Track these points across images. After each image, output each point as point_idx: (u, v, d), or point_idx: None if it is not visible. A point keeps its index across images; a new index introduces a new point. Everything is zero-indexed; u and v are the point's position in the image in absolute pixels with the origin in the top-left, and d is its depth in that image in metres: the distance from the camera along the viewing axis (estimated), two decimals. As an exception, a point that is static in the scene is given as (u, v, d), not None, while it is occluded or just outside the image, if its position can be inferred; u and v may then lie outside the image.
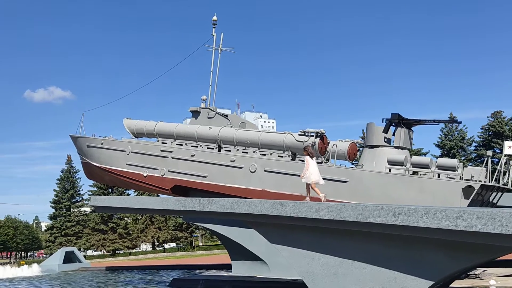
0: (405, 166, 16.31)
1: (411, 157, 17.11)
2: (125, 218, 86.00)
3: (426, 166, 16.06)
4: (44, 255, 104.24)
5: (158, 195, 32.43)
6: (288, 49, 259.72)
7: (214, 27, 23.45)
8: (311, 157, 13.02)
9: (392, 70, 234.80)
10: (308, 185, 13.24)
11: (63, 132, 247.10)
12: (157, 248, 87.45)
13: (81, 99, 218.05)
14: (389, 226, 10.06)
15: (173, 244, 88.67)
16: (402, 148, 17.27)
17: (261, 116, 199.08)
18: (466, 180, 15.89)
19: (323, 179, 16.71)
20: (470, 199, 15.12)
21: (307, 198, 13.23)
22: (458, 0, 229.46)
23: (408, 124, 17.48)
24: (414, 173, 16.43)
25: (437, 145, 64.05)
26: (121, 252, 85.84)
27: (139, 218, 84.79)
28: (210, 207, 14.72)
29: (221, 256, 52.95)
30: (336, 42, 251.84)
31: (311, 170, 12.94)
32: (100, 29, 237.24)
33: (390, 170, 16.49)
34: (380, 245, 10.85)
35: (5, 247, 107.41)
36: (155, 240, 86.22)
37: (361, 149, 22.16)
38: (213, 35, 23.39)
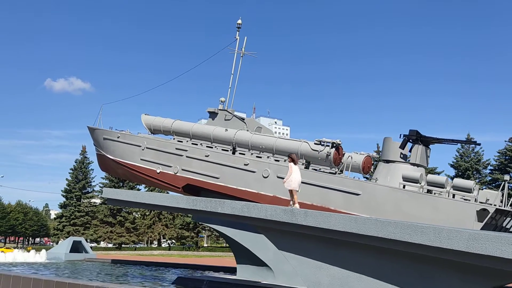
0: (420, 183, 16.14)
1: (426, 175, 16.94)
2: (133, 213, 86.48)
3: (442, 186, 15.88)
4: (51, 243, 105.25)
5: (168, 192, 32.45)
6: (307, 58, 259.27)
7: (238, 31, 23.56)
8: (295, 164, 13.48)
9: (410, 86, 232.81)
10: (291, 190, 13.70)
11: (79, 122, 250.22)
12: (163, 245, 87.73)
13: (100, 92, 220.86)
14: (400, 243, 9.95)
15: (164, 244, 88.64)
16: (418, 165, 17.10)
17: (275, 122, 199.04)
18: (481, 203, 15.68)
19: (335, 190, 16.79)
20: (483, 223, 14.91)
21: (291, 203, 13.64)
22: (482, 19, 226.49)
23: (426, 141, 17.31)
24: (429, 191, 16.25)
25: (452, 166, 63.32)
26: (126, 246, 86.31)
27: (147, 214, 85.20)
28: (221, 208, 14.74)
29: (226, 259, 52.90)
30: (356, 54, 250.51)
31: (294, 176, 13.38)
32: (124, 25, 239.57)
33: (404, 186, 16.34)
34: (390, 261, 10.73)
35: (14, 232, 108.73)
36: (161, 237, 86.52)
37: (375, 162, 22.00)
38: (237, 38, 23.49)
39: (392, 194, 15.84)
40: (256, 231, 14.95)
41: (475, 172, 61.98)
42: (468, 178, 57.10)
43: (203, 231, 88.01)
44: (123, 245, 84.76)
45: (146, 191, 71.07)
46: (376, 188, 16.33)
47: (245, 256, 21.15)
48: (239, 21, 23.57)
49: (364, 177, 20.17)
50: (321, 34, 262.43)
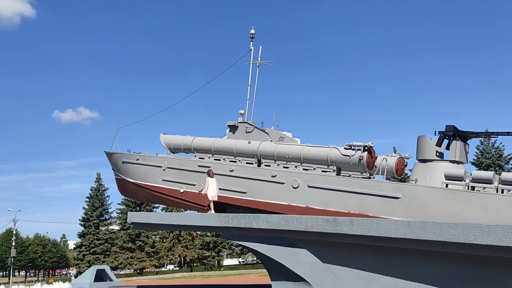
0: (465, 181, 15.23)
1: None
2: (152, 237, 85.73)
3: (489, 181, 14.95)
4: (70, 273, 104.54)
5: (182, 211, 31.55)
6: (318, 63, 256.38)
7: (252, 41, 23.00)
8: (211, 177, 16.97)
9: (420, 83, 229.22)
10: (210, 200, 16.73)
11: (90, 152, 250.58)
12: (184, 267, 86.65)
13: (109, 120, 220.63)
14: (465, 245, 9.11)
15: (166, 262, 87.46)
16: (458, 162, 16.20)
17: (285, 134, 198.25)
18: (530, 196, 14.71)
19: (373, 195, 15.95)
20: (536, 217, 13.93)
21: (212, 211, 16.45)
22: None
23: (464, 137, 16.44)
24: (472, 188, 15.32)
25: (473, 163, 62.03)
26: (148, 271, 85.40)
27: (166, 236, 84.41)
28: (255, 223, 14.08)
29: (251, 276, 51.83)
30: (378, 53, 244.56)
31: (210, 188, 16.75)
32: (129, 48, 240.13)
33: (447, 185, 15.43)
34: (451, 266, 9.89)
35: (34, 265, 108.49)
36: (182, 259, 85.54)
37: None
38: (251, 49, 22.91)
39: (435, 195, 14.93)
40: (294, 244, 14.18)
41: (497, 168, 60.59)
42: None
43: (224, 249, 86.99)
44: (144, 270, 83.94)
45: (163, 212, 70.41)
46: (417, 189, 15.43)
47: (281, 272, 20.26)
48: (252, 31, 23.03)
49: (394, 180, 19.27)
50: (340, 33, 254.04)
